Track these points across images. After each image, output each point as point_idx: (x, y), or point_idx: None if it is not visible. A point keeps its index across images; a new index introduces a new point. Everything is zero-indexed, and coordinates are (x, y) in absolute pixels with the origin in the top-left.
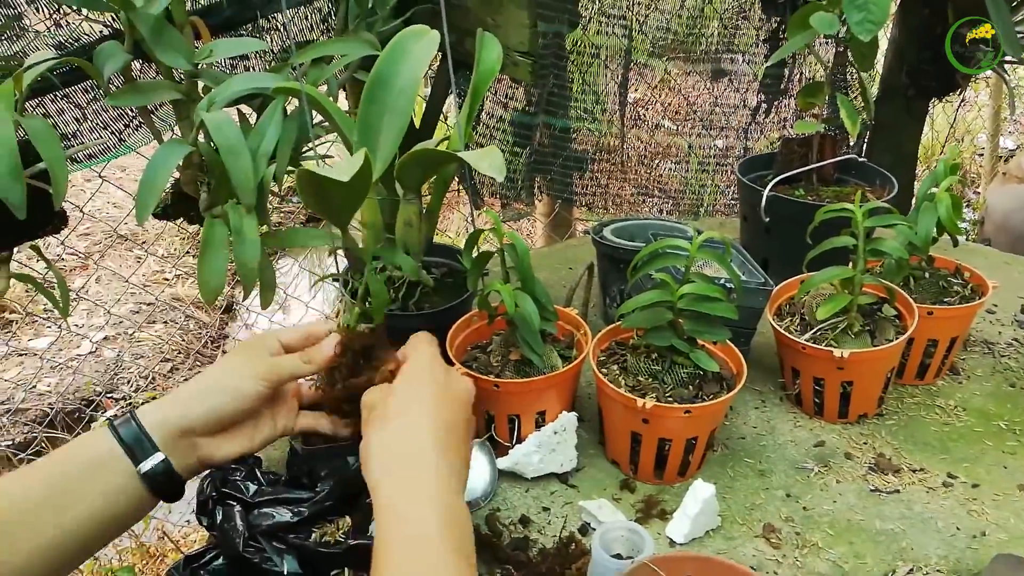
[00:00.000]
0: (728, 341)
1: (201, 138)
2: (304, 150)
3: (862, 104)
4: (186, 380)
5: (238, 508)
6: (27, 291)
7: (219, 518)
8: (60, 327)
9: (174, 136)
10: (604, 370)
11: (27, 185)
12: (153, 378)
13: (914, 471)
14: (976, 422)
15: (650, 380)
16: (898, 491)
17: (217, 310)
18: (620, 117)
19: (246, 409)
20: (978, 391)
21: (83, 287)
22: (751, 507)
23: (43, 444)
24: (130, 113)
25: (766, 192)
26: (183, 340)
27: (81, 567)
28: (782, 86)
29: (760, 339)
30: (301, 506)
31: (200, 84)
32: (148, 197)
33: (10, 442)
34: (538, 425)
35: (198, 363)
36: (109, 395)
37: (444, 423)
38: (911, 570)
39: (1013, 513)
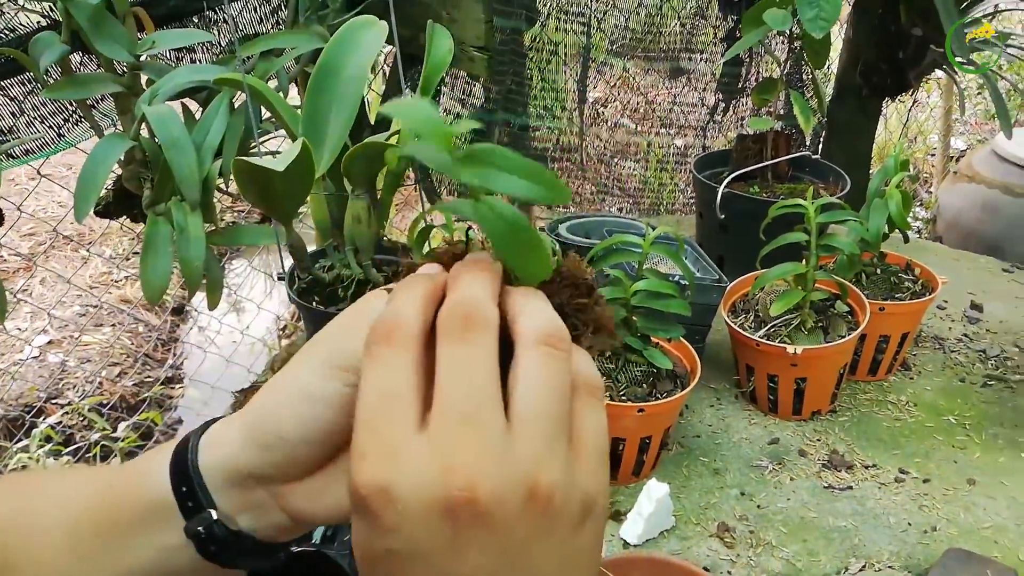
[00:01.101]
0: (683, 338)
1: (144, 133)
2: (252, 146)
3: (816, 103)
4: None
5: None
6: None
7: None
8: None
9: (116, 131)
10: None
11: None
12: (100, 383)
13: (867, 467)
14: (927, 417)
15: (604, 380)
16: (851, 487)
17: (166, 312)
18: (579, 115)
19: (334, 427)
20: (929, 386)
21: (25, 288)
22: (706, 506)
23: None
24: (70, 107)
25: (721, 189)
26: (132, 344)
27: None
28: (739, 85)
29: (716, 336)
30: None
31: (144, 77)
32: (88, 193)
33: None
34: None
35: (147, 366)
36: (54, 401)
37: None
38: (863, 567)
39: (963, 507)
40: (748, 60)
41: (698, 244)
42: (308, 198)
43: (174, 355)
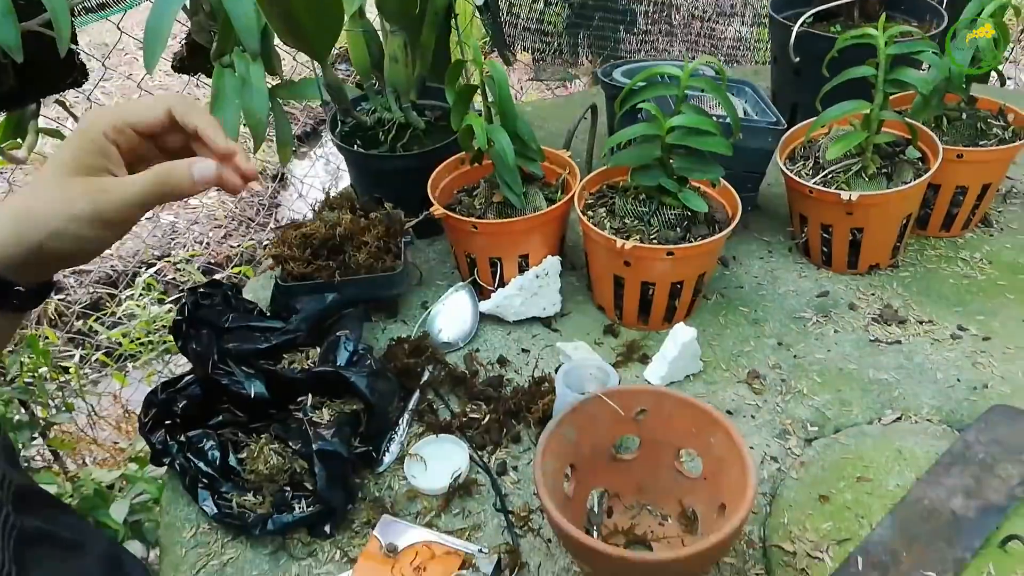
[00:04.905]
0: (731, 186)
1: None
2: None
3: None
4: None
5: (208, 332)
6: None
7: (191, 341)
8: None
9: None
10: (590, 213)
11: (42, 36)
12: (208, 243)
13: (921, 323)
14: (1001, 275)
15: (636, 222)
16: (900, 342)
17: (267, 178)
18: None
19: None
20: (1009, 244)
21: None
22: (738, 354)
23: (107, 303)
24: None
25: (796, 28)
26: (236, 208)
27: None
28: None
29: (775, 189)
30: (271, 335)
31: None
32: (154, 45)
33: (78, 302)
34: (521, 269)
35: (250, 229)
36: (166, 258)
37: None
38: (899, 418)
39: (1023, 367)
40: None
41: (772, 92)
42: (345, 36)
43: (275, 220)
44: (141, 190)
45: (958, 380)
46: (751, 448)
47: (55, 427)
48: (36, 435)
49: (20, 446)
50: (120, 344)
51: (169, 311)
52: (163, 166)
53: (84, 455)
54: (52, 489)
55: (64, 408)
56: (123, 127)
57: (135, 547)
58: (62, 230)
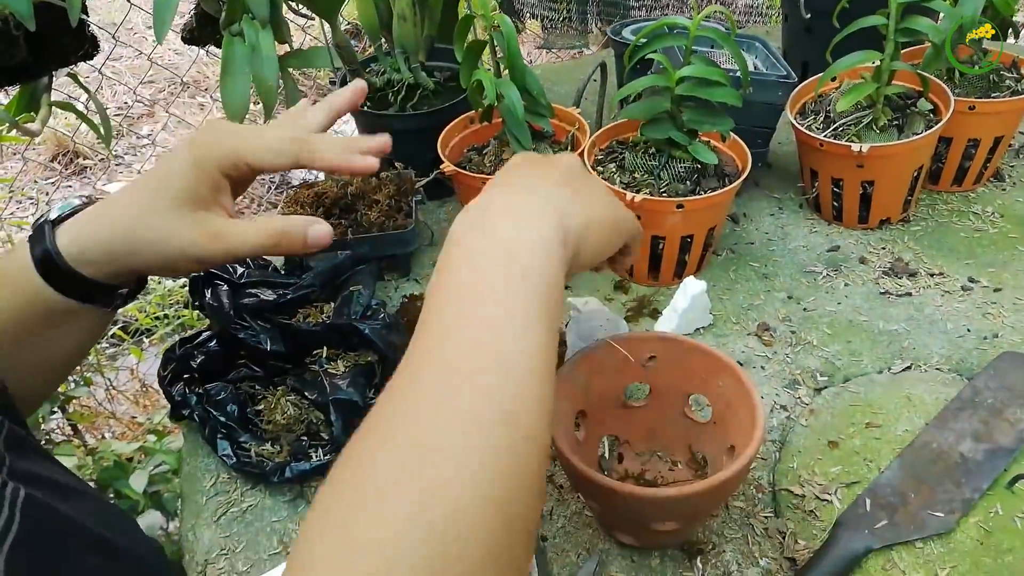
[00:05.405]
0: (741, 140)
1: None
2: None
3: None
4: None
5: (225, 288)
6: (98, 139)
7: (207, 298)
8: (134, 170)
9: None
10: (600, 168)
11: (53, 7)
12: None
13: (932, 275)
14: (1012, 228)
15: (646, 176)
16: (910, 294)
17: None
18: None
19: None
20: (1021, 198)
21: (149, 133)
22: (748, 308)
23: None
24: None
25: None
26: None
27: None
28: None
29: (786, 147)
30: (286, 290)
31: None
32: (164, 14)
33: None
34: None
35: (262, 208)
36: None
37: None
38: (908, 367)
39: None
40: None
41: (783, 50)
42: None
43: (285, 196)
44: (253, 245)
45: (968, 330)
46: (761, 398)
47: (74, 401)
48: (55, 409)
49: (40, 419)
50: (136, 319)
51: (183, 286)
52: (278, 223)
53: (103, 429)
54: (72, 462)
55: (82, 382)
56: (242, 165)
57: (155, 517)
58: (169, 263)
